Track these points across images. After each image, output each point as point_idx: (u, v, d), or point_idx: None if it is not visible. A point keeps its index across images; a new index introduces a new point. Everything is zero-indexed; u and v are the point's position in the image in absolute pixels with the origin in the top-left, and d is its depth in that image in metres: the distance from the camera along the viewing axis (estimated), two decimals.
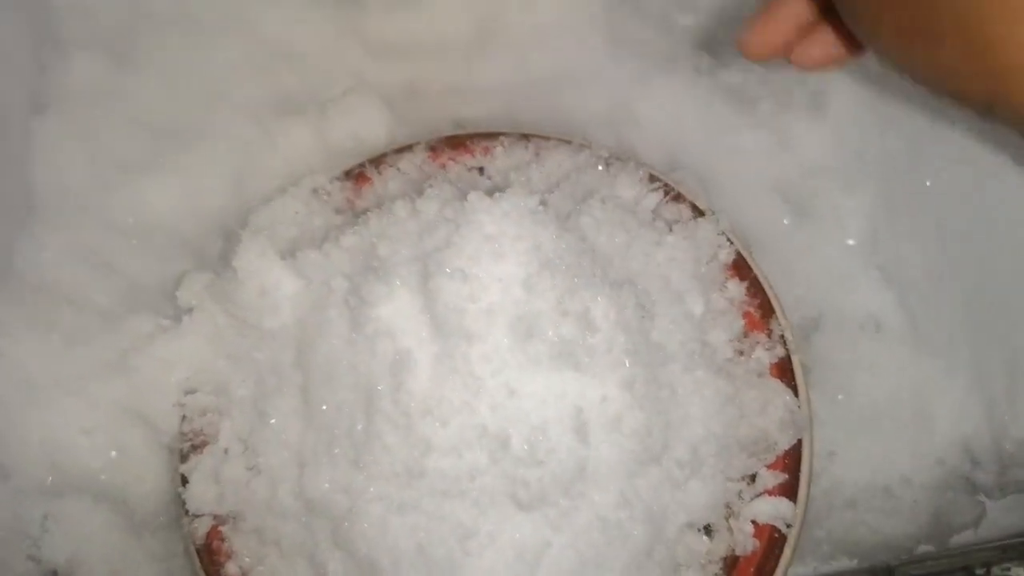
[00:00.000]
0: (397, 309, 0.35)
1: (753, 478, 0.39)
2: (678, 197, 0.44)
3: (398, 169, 0.46)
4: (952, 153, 0.46)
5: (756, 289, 0.43)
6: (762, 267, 0.44)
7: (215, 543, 0.39)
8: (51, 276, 0.46)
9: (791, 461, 0.39)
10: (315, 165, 0.49)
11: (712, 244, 0.43)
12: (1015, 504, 0.44)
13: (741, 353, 0.41)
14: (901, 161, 0.49)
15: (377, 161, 0.46)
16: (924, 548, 0.44)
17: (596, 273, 0.36)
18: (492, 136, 0.47)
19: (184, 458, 0.40)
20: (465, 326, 0.34)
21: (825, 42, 0.34)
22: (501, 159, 0.46)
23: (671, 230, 0.42)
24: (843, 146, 0.51)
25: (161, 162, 0.49)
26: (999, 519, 0.44)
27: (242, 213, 0.47)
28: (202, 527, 0.39)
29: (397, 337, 0.35)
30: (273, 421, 0.39)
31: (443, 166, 0.46)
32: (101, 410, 0.43)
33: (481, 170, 0.46)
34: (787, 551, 0.39)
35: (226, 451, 0.40)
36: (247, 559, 0.39)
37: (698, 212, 0.44)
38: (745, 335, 0.42)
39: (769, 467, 0.39)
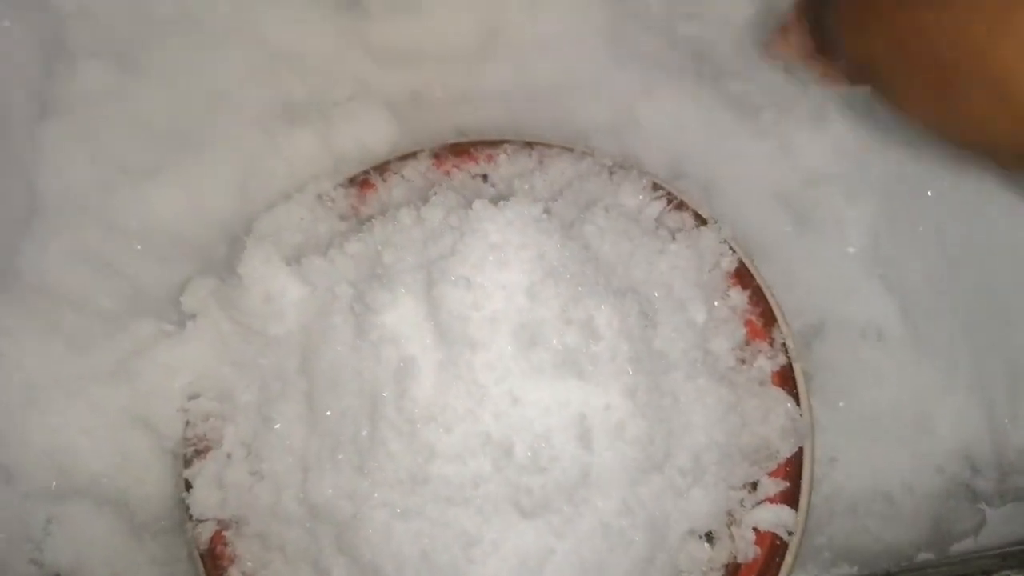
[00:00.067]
0: (401, 316, 0.36)
1: (755, 486, 0.39)
2: (681, 205, 0.45)
3: (402, 176, 0.46)
4: (952, 163, 0.46)
5: (758, 297, 0.43)
6: (764, 275, 0.44)
7: (218, 548, 0.39)
8: (55, 279, 0.46)
9: (792, 469, 0.40)
10: (319, 171, 0.49)
11: (714, 252, 0.43)
12: (1015, 512, 0.44)
13: (743, 361, 0.41)
14: (902, 170, 0.49)
15: (381, 168, 0.47)
16: (924, 555, 0.45)
17: (600, 281, 0.36)
18: (496, 144, 0.47)
19: (188, 463, 0.41)
20: (469, 334, 0.34)
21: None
22: (505, 166, 0.46)
23: (674, 238, 0.42)
24: (845, 155, 0.52)
25: (165, 167, 0.50)
26: (999, 527, 0.45)
27: (246, 218, 0.48)
28: (205, 532, 0.39)
29: (401, 344, 0.35)
30: (277, 426, 0.39)
31: (447, 173, 0.46)
32: (104, 414, 0.43)
33: (485, 177, 0.46)
34: (788, 558, 0.39)
35: (229, 456, 0.40)
36: (250, 564, 0.39)
37: (701, 220, 0.44)
38: (747, 343, 0.42)
39: (771, 475, 0.39)
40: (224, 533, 0.39)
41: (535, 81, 0.55)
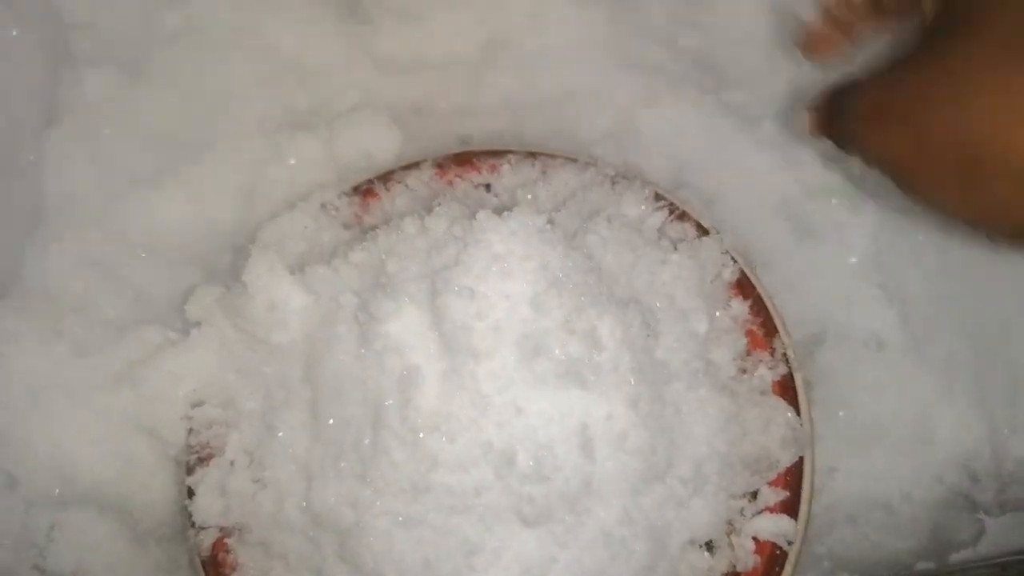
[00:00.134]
0: (405, 326, 0.36)
1: (755, 495, 0.39)
2: (683, 216, 0.45)
3: (406, 185, 0.46)
4: None
5: (759, 307, 0.43)
6: (765, 285, 0.45)
7: (220, 555, 0.39)
8: (59, 285, 0.47)
9: (792, 478, 0.40)
10: (323, 179, 0.50)
11: (716, 263, 0.43)
12: (1014, 522, 0.45)
13: (744, 371, 0.42)
14: None
15: (385, 177, 0.47)
16: (924, 565, 0.45)
17: (602, 292, 0.37)
18: (499, 154, 0.47)
19: (190, 470, 0.41)
20: (473, 344, 0.34)
21: None
22: (508, 176, 0.46)
23: (676, 248, 0.42)
24: (846, 165, 0.52)
25: (170, 175, 0.50)
26: (998, 537, 0.45)
27: (251, 227, 0.48)
28: (208, 539, 0.40)
29: (405, 354, 0.36)
30: (281, 434, 0.39)
31: (450, 183, 0.47)
32: (108, 421, 0.43)
33: (488, 187, 0.46)
34: (788, 567, 0.39)
35: (232, 464, 0.40)
36: (252, 572, 0.39)
37: (703, 231, 0.44)
38: (748, 353, 0.42)
39: (771, 484, 0.40)
40: (226, 540, 0.39)
41: (538, 91, 0.55)
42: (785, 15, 0.48)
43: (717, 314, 0.42)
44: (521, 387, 0.35)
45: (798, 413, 0.41)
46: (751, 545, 0.39)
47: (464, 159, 0.47)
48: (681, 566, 0.37)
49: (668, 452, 0.36)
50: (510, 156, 0.47)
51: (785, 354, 0.42)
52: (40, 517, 0.42)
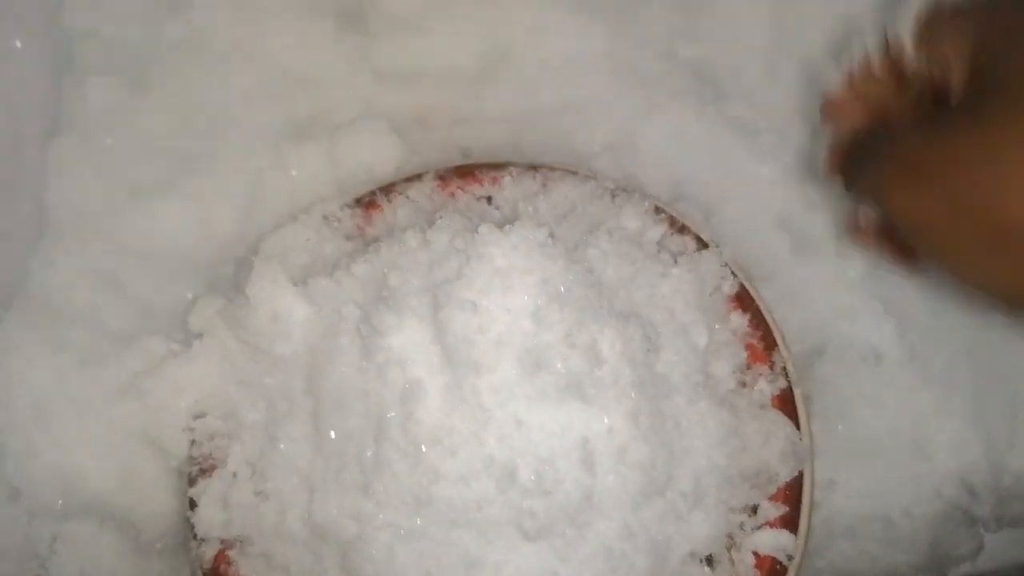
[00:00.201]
0: (408, 339, 0.36)
1: (755, 509, 0.40)
2: (683, 229, 0.45)
3: (408, 197, 0.47)
4: None
5: (759, 321, 0.43)
6: (765, 298, 0.45)
7: (222, 567, 0.39)
8: (63, 297, 0.47)
9: (792, 493, 0.40)
10: (325, 191, 0.50)
11: (716, 276, 0.43)
12: (1013, 536, 0.45)
13: (744, 384, 0.42)
14: None
15: (387, 189, 0.47)
16: None
17: (603, 305, 0.37)
18: (500, 166, 0.47)
19: (192, 482, 0.41)
20: (474, 357, 0.35)
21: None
22: (509, 189, 0.46)
23: (676, 262, 0.42)
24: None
25: (173, 186, 0.50)
26: (997, 551, 0.45)
27: (253, 238, 0.48)
28: (209, 551, 0.40)
29: (407, 367, 0.36)
30: (283, 446, 0.39)
31: (452, 195, 0.47)
32: (111, 432, 0.43)
33: (489, 199, 0.47)
34: None
35: (235, 475, 0.40)
36: None
37: (702, 244, 0.45)
38: (748, 367, 0.42)
39: (770, 499, 0.40)
40: (228, 552, 0.40)
41: (538, 102, 0.55)
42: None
43: (717, 327, 0.42)
44: (522, 401, 0.35)
45: (797, 427, 0.41)
46: (751, 559, 0.39)
47: (466, 171, 0.47)
48: None
49: (668, 466, 0.37)
50: (511, 169, 0.47)
51: (785, 368, 0.42)
52: (42, 528, 0.42)
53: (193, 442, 0.42)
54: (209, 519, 0.40)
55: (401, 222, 0.45)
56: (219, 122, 0.52)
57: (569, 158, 0.52)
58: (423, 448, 0.35)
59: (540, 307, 0.35)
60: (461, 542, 0.35)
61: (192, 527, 0.40)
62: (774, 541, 0.39)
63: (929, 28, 0.33)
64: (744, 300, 0.44)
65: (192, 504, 0.40)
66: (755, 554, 0.39)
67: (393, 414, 0.36)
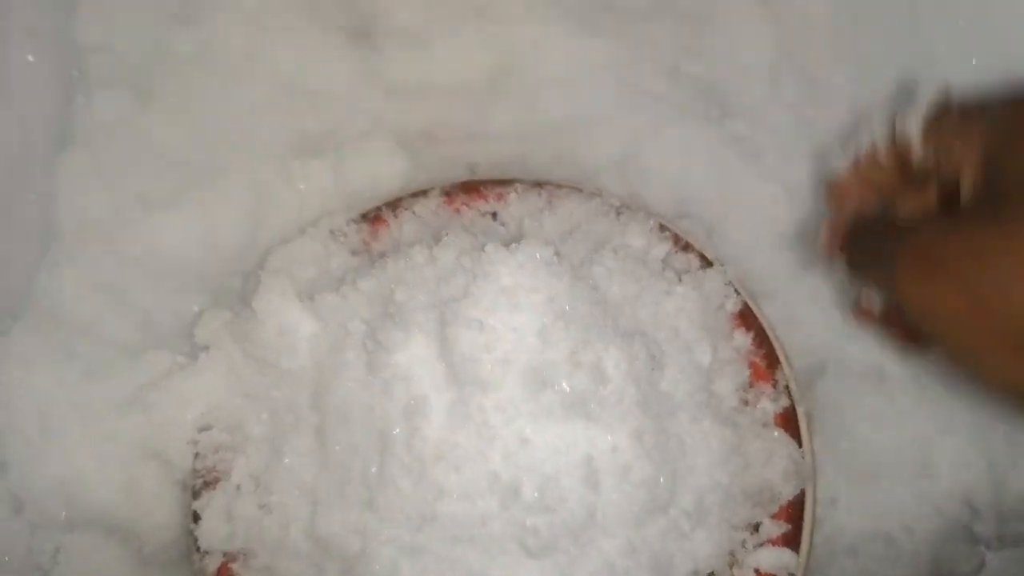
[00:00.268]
0: (414, 355, 0.36)
1: (757, 527, 0.40)
2: (687, 247, 0.45)
3: (414, 213, 0.47)
4: None
5: (762, 339, 0.44)
6: (768, 316, 0.45)
7: None
8: (70, 308, 0.47)
9: (794, 511, 0.40)
10: (332, 205, 0.50)
11: (719, 294, 0.44)
12: (1014, 556, 0.45)
13: (746, 403, 0.42)
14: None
15: (393, 204, 0.48)
16: None
17: (608, 324, 0.37)
18: (506, 183, 0.48)
19: (196, 495, 0.41)
20: (480, 375, 0.35)
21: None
22: (515, 205, 0.47)
23: (680, 280, 0.43)
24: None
25: (181, 199, 0.50)
26: (998, 571, 0.45)
27: (259, 251, 0.48)
28: (212, 564, 0.40)
29: (413, 383, 0.36)
30: (287, 460, 0.39)
31: (457, 211, 0.47)
32: (116, 444, 0.43)
33: (495, 215, 0.47)
34: None
35: (239, 488, 0.40)
36: None
37: (706, 262, 0.45)
38: (751, 385, 0.43)
39: (772, 517, 0.40)
40: (231, 565, 0.40)
41: (543, 118, 0.56)
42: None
43: (720, 345, 0.42)
44: (527, 419, 0.35)
45: (800, 445, 0.41)
46: None
47: (471, 187, 0.48)
48: None
49: (671, 484, 0.37)
50: (517, 185, 0.47)
51: (787, 386, 0.43)
52: (46, 540, 0.42)
53: (197, 455, 0.42)
54: (212, 532, 0.40)
55: (407, 238, 0.45)
56: (227, 135, 0.53)
57: (574, 173, 0.52)
58: (427, 464, 0.35)
59: (546, 325, 0.35)
60: (464, 558, 0.35)
61: (195, 540, 0.40)
62: (776, 559, 0.39)
63: (938, 126, 0.33)
64: (747, 318, 0.44)
65: (196, 517, 0.40)
66: (757, 572, 0.39)
67: (398, 430, 0.36)
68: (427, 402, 0.36)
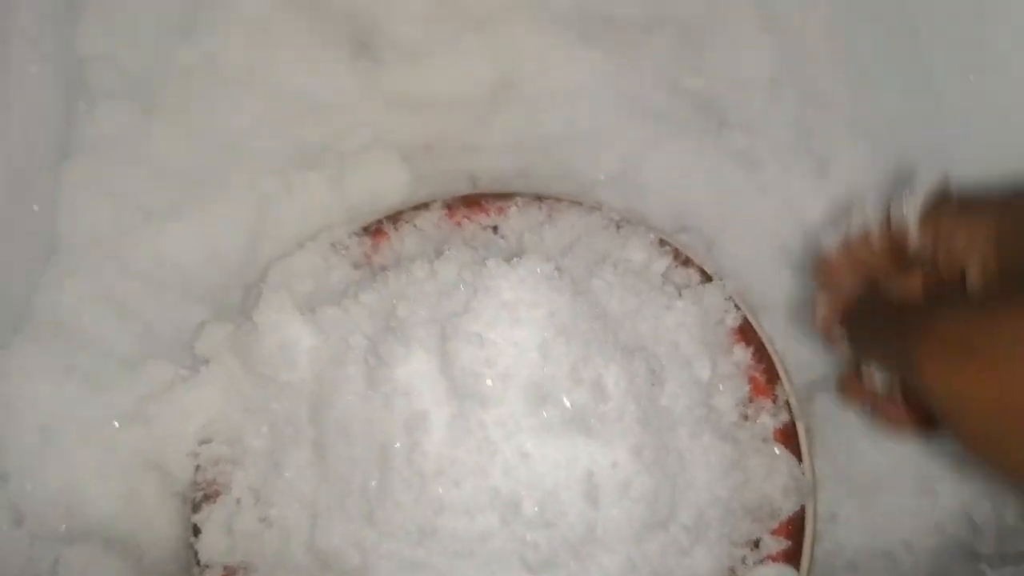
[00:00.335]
0: (414, 370, 0.36)
1: (757, 543, 0.40)
2: (687, 261, 0.46)
3: (415, 226, 0.47)
4: None
5: (761, 354, 0.44)
6: (767, 330, 0.45)
7: None
8: (71, 320, 0.47)
9: (794, 527, 0.40)
10: (333, 217, 0.50)
11: (719, 309, 0.44)
12: (1015, 574, 0.45)
13: (746, 418, 0.42)
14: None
15: (394, 217, 0.48)
16: None
17: (608, 339, 0.37)
18: (507, 196, 0.48)
19: (196, 508, 0.41)
20: (481, 390, 0.35)
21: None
22: (515, 219, 0.47)
23: (680, 295, 0.43)
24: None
25: (183, 211, 0.50)
26: None
27: (260, 263, 0.49)
28: None
29: (414, 398, 0.36)
30: (287, 473, 0.39)
31: (458, 224, 0.47)
32: (116, 456, 0.43)
33: (495, 229, 0.47)
34: None
35: (238, 502, 0.40)
36: None
37: (706, 276, 0.45)
38: (750, 400, 0.43)
39: (772, 533, 0.40)
40: None
41: (544, 131, 0.56)
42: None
43: (720, 360, 0.42)
44: (528, 434, 0.35)
45: (800, 461, 0.41)
46: None
47: (472, 201, 0.48)
48: None
49: (671, 499, 0.37)
50: (517, 199, 0.48)
51: (787, 401, 0.43)
52: (46, 551, 0.42)
53: (198, 467, 0.42)
54: (212, 545, 0.40)
55: (408, 251, 0.46)
56: (229, 147, 0.53)
57: (574, 186, 0.52)
58: (428, 479, 0.35)
59: (547, 340, 0.35)
60: (464, 573, 0.35)
61: (195, 553, 0.40)
62: (776, 575, 0.39)
63: (936, 215, 0.33)
64: (747, 333, 0.44)
65: (196, 530, 0.40)
66: None
67: (399, 444, 0.36)
68: (428, 417, 0.36)
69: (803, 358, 0.48)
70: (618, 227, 0.47)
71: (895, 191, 0.35)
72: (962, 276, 0.32)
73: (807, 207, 0.53)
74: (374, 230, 0.47)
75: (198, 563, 0.40)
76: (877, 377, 0.36)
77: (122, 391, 0.44)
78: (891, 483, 0.46)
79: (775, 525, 0.40)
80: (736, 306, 0.44)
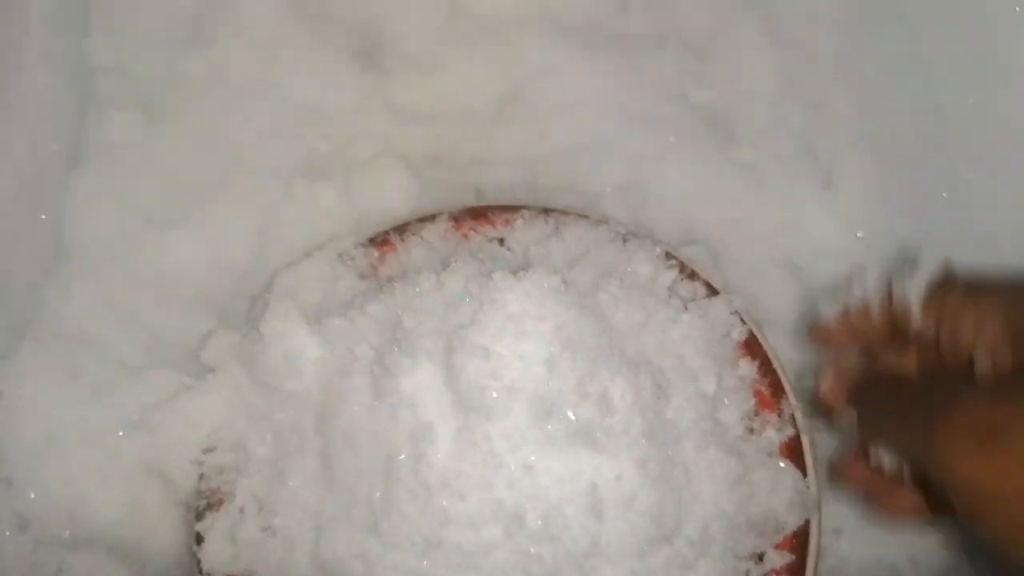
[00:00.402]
0: (420, 382, 0.36)
1: (761, 557, 0.40)
2: (693, 275, 0.46)
3: (421, 237, 0.47)
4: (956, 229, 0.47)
5: (767, 368, 0.44)
6: (772, 343, 0.45)
7: None
8: (78, 327, 0.47)
9: (799, 541, 0.40)
10: (339, 228, 0.51)
11: (725, 323, 0.44)
12: None
13: (752, 431, 0.42)
14: (908, 242, 0.50)
15: (401, 229, 0.48)
16: None
17: (614, 352, 0.37)
18: (513, 209, 0.48)
19: (200, 516, 0.41)
20: (486, 403, 0.35)
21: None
22: (521, 231, 0.47)
23: (686, 308, 0.43)
24: (851, 226, 0.53)
25: (190, 220, 0.51)
26: None
27: (266, 272, 0.49)
28: None
29: (419, 409, 0.36)
30: (291, 483, 0.39)
31: (465, 236, 0.47)
32: (120, 464, 0.43)
33: (502, 241, 0.47)
34: None
35: (242, 510, 0.40)
36: None
37: (712, 290, 0.45)
38: (756, 414, 0.43)
39: (777, 547, 0.40)
40: None
41: (550, 143, 0.56)
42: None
43: (725, 374, 0.42)
44: (533, 447, 0.35)
45: (805, 475, 0.41)
46: None
47: (479, 213, 0.48)
48: None
49: (676, 513, 0.37)
50: (524, 212, 0.48)
51: (793, 415, 0.43)
52: (49, 557, 0.42)
53: (202, 476, 0.42)
54: (215, 554, 0.40)
55: (415, 262, 0.46)
56: (236, 157, 0.53)
57: (581, 198, 0.52)
58: (433, 490, 0.35)
59: (553, 354, 0.35)
60: None
61: (198, 561, 0.40)
62: None
63: (940, 297, 0.33)
64: (753, 347, 0.44)
65: (199, 538, 0.40)
66: None
67: (404, 456, 0.36)
68: (433, 428, 0.36)
69: (808, 371, 0.48)
70: (624, 240, 0.47)
71: (898, 267, 0.35)
72: (969, 361, 0.32)
73: (813, 220, 0.53)
74: (381, 241, 0.47)
75: (201, 572, 0.40)
76: (885, 459, 0.35)
77: (127, 399, 0.44)
78: None
79: (779, 539, 0.40)
80: (742, 320, 0.44)
